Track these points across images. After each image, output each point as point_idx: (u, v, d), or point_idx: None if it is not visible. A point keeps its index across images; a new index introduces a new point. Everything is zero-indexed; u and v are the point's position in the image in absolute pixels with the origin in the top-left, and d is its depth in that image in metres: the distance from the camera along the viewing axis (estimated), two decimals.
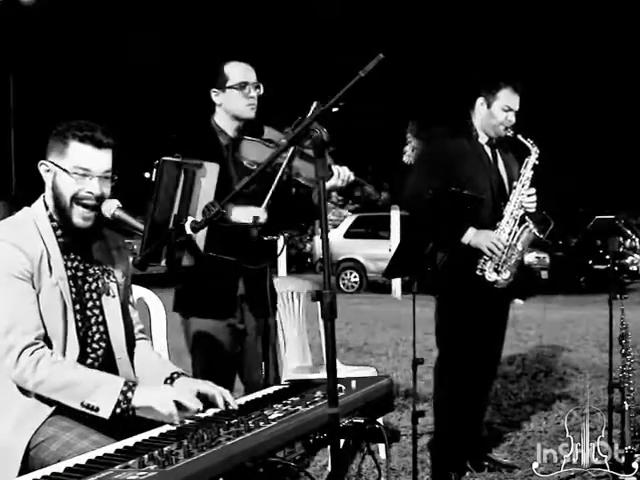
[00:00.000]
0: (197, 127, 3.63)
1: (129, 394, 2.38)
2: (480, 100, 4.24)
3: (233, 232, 3.34)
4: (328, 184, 3.33)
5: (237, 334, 3.55)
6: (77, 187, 2.52)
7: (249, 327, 3.56)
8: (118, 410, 2.36)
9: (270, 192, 3.22)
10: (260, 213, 3.25)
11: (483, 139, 4.28)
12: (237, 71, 3.55)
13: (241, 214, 3.30)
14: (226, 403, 2.47)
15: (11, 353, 2.39)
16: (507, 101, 4.19)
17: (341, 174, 3.32)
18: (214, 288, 3.48)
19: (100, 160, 2.54)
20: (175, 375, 2.63)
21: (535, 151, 4.16)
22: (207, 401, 2.50)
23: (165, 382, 2.61)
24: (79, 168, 2.51)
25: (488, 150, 4.28)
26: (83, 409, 2.38)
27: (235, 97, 3.54)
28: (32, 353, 2.40)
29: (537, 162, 4.16)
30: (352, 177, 3.34)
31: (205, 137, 3.57)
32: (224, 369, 3.48)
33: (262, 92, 3.58)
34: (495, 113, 4.18)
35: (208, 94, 3.60)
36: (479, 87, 4.28)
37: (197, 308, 3.52)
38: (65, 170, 2.52)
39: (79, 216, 2.53)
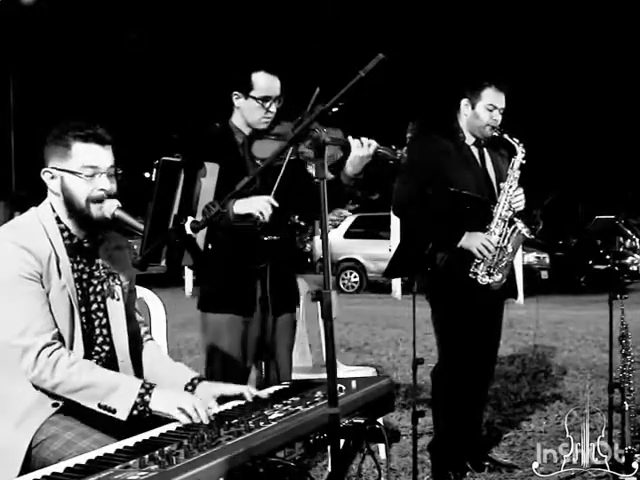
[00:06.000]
0: (216, 127, 3.65)
1: (146, 397, 2.39)
2: (464, 101, 4.21)
3: (233, 232, 3.35)
4: (353, 155, 3.29)
5: (255, 330, 3.56)
6: (89, 187, 2.51)
7: (268, 325, 3.56)
8: (135, 412, 2.37)
9: (277, 181, 3.23)
10: (268, 201, 3.26)
11: (470, 140, 4.24)
12: (263, 83, 3.54)
13: (244, 206, 3.30)
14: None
15: (28, 354, 2.39)
16: (491, 100, 4.15)
17: (364, 142, 3.27)
18: (233, 285, 3.51)
19: (105, 156, 2.54)
20: (196, 381, 2.63)
21: (521, 150, 4.12)
22: (226, 400, 2.55)
23: (185, 388, 2.61)
24: (87, 167, 2.50)
25: (475, 151, 4.24)
26: (100, 410, 2.39)
27: (254, 108, 3.54)
28: (50, 354, 2.40)
29: (524, 161, 4.14)
30: (374, 143, 3.29)
31: (223, 137, 3.59)
32: (239, 365, 3.53)
33: (282, 103, 3.57)
34: (479, 113, 4.15)
35: (221, 92, 3.61)
36: (463, 88, 4.27)
37: (215, 304, 3.55)
38: (72, 172, 2.50)
39: (97, 210, 2.52)
